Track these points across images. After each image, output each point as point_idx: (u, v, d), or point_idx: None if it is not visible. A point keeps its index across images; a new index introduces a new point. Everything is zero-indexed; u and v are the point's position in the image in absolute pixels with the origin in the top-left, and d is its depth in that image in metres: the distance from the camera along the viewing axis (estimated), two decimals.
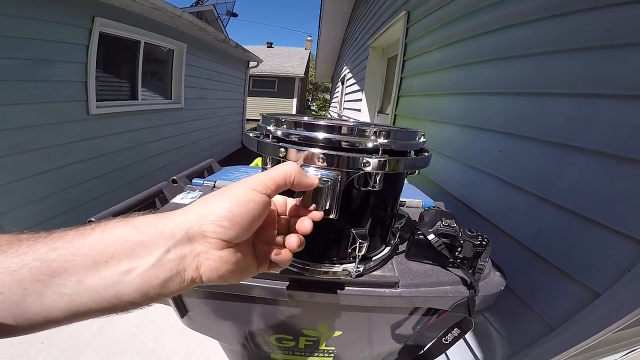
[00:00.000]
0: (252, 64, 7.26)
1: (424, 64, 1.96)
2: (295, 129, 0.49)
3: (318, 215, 0.39)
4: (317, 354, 0.85)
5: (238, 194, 0.32)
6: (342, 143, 0.46)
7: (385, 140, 0.46)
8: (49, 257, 0.26)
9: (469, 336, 1.07)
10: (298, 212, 0.40)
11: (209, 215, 0.31)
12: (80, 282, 0.26)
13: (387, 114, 2.86)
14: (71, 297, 0.26)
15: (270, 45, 18.15)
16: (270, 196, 0.34)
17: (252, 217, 0.32)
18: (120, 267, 0.27)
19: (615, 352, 1.16)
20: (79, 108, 2.57)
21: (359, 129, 0.48)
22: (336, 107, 7.82)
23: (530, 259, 0.85)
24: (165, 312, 1.89)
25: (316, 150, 0.44)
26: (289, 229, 0.40)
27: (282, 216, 0.40)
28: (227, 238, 0.31)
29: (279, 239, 0.38)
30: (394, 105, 2.42)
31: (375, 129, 0.47)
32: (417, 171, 0.57)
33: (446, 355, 1.17)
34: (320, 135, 0.46)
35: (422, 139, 0.57)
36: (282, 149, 0.45)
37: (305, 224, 0.37)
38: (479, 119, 1.22)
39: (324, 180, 0.41)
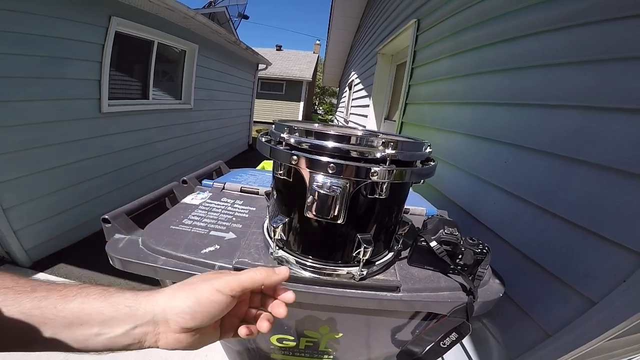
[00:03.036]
0: (261, 66, 7.32)
1: (432, 72, 1.97)
2: (307, 138, 0.51)
3: (290, 297, 0.42)
4: (316, 355, 0.87)
5: (203, 294, 0.37)
6: (352, 152, 0.48)
7: (393, 151, 0.49)
8: (32, 314, 0.32)
9: (466, 342, 1.08)
10: (274, 292, 0.43)
11: (174, 308, 0.37)
12: (55, 335, 0.33)
13: (394, 121, 2.87)
14: (46, 341, 0.32)
15: (279, 48, 18.25)
16: (235, 297, 0.38)
17: (213, 315, 0.37)
18: (92, 330, 0.34)
19: None
20: (91, 106, 2.62)
21: (367, 139, 0.50)
22: (343, 112, 7.84)
23: (529, 267, 0.87)
24: None
25: (326, 159, 0.46)
26: (264, 304, 0.43)
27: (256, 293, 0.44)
28: (187, 327, 0.37)
29: (253, 311, 0.43)
30: (401, 112, 2.44)
31: (383, 140, 0.49)
32: (422, 180, 0.59)
33: (442, 358, 1.18)
34: (331, 144, 0.48)
35: (428, 150, 0.60)
36: (295, 157, 0.47)
37: (280, 311, 0.41)
38: (486, 129, 1.23)
39: (334, 189, 0.43)
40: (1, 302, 0.31)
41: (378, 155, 0.48)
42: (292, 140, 0.50)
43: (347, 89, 7.53)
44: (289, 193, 0.43)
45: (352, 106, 6.20)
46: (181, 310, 0.36)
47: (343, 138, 0.49)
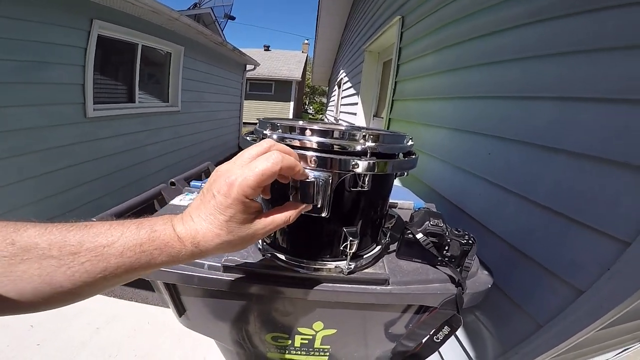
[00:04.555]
0: (249, 67, 7.29)
1: (417, 68, 1.99)
2: (290, 133, 0.52)
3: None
4: (312, 352, 0.87)
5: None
6: (334, 146, 0.49)
7: (374, 144, 0.49)
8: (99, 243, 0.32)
9: (461, 335, 1.09)
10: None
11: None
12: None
13: (382, 118, 2.89)
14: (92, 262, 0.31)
15: (267, 48, 18.20)
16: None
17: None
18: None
19: (608, 351, 1.18)
20: (76, 111, 2.58)
21: (349, 133, 0.51)
22: (333, 111, 7.86)
23: (517, 258, 0.88)
24: (162, 315, 1.91)
25: (309, 153, 0.47)
26: None
27: None
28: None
29: None
30: (389, 109, 2.46)
31: (364, 133, 0.50)
32: (405, 173, 0.60)
33: (439, 353, 1.20)
34: (314, 138, 0.49)
35: (409, 142, 0.60)
36: None
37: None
38: (469, 122, 1.25)
39: (315, 177, 0.44)
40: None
41: (359, 148, 0.49)
42: (274, 137, 0.50)
43: (336, 87, 7.56)
44: (273, 189, 0.44)
45: (341, 104, 6.22)
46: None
47: (324, 132, 0.49)
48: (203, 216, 0.36)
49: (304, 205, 0.44)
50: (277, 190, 0.47)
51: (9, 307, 0.29)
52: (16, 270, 0.29)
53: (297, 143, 0.50)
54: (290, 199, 0.44)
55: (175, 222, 0.37)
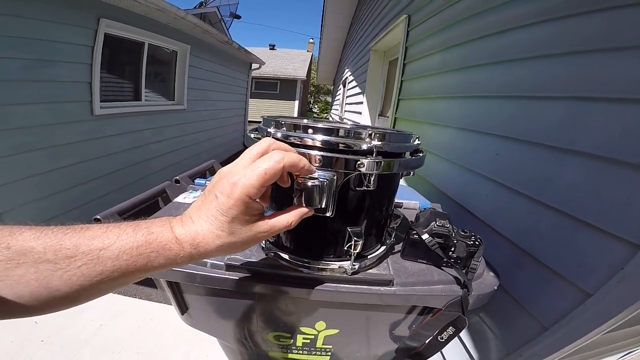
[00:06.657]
0: (254, 65, 7.30)
1: (423, 67, 1.97)
2: (295, 132, 0.51)
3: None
4: (314, 351, 0.86)
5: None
6: (339, 145, 0.48)
7: (379, 142, 0.49)
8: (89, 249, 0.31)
9: (464, 336, 1.08)
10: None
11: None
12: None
13: (388, 117, 2.88)
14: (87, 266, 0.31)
15: (272, 47, 18.22)
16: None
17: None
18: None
19: (611, 354, 1.16)
20: (83, 108, 2.60)
21: (354, 132, 0.50)
22: (338, 110, 7.85)
23: (524, 259, 0.86)
24: (165, 312, 1.91)
25: (313, 152, 0.46)
26: None
27: None
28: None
29: None
30: (394, 108, 2.44)
31: (370, 132, 0.49)
32: (412, 172, 0.59)
33: (442, 354, 1.19)
34: (318, 137, 0.48)
35: (416, 141, 0.59)
36: None
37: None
38: (476, 122, 1.23)
39: (320, 180, 0.43)
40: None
41: (364, 146, 0.48)
42: (278, 135, 0.50)
43: (341, 86, 7.54)
44: (277, 188, 0.43)
45: (346, 103, 6.20)
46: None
47: (330, 131, 0.49)
48: (204, 217, 0.36)
49: (306, 210, 0.43)
50: (278, 196, 0.46)
51: (7, 311, 0.29)
52: (13, 275, 0.28)
53: (301, 142, 0.49)
54: (295, 202, 0.44)
55: (174, 224, 0.36)
